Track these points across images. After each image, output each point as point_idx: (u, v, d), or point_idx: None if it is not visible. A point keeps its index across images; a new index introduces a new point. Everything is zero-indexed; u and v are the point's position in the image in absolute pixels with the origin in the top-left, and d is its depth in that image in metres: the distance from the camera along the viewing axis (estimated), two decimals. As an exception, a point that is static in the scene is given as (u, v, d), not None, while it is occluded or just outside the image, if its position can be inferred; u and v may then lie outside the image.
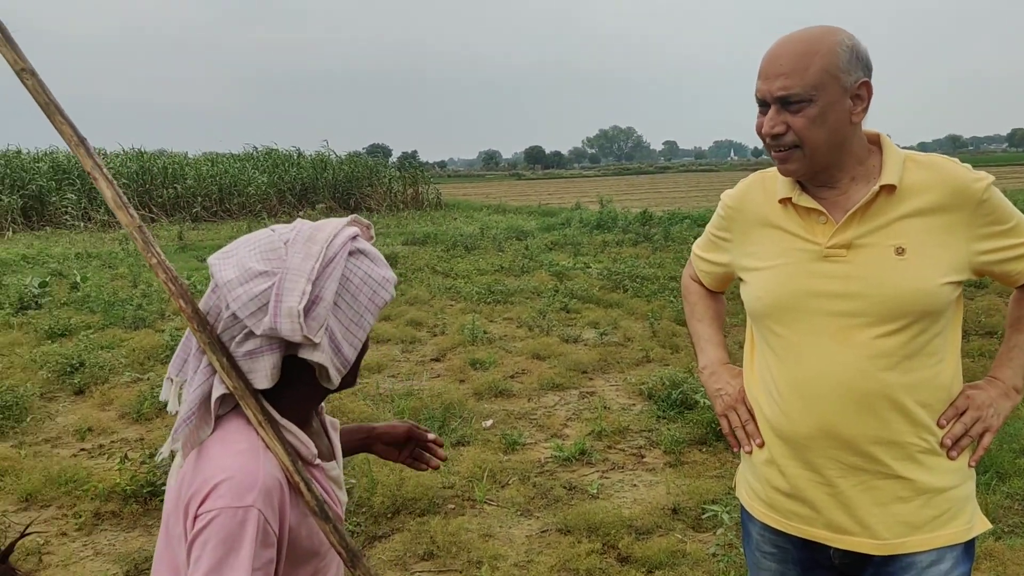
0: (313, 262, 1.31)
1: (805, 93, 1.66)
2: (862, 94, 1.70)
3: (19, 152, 27.83)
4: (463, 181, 69.38)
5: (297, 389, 1.40)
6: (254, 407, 1.34)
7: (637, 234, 16.99)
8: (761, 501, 1.92)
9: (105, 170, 1.33)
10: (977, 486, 4.28)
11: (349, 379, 1.44)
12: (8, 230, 22.94)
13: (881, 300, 1.69)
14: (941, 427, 1.75)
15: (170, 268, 1.36)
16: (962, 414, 1.77)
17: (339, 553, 1.39)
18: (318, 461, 1.43)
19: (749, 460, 1.95)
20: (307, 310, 1.29)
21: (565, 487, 4.70)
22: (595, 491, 4.63)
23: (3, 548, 1.51)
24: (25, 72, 1.25)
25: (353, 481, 4.52)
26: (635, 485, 4.77)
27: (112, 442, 5.69)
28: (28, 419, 6.06)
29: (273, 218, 26.11)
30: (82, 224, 24.25)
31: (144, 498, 4.56)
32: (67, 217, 24.52)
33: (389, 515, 4.33)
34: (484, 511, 4.42)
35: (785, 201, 1.80)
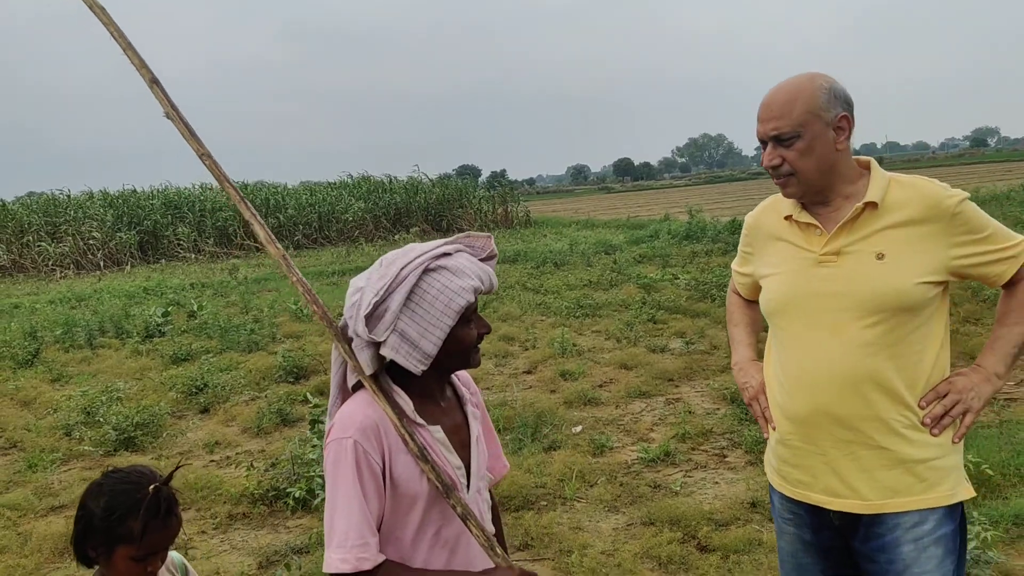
0: (387, 281, 1.71)
1: (792, 131, 2.02)
2: (843, 125, 2.05)
3: (135, 191, 29.80)
4: (552, 197, 69.90)
5: (403, 372, 1.81)
6: (365, 377, 1.77)
7: (726, 243, 17.03)
8: (777, 474, 2.24)
9: (259, 218, 1.78)
10: None
11: (459, 363, 1.84)
12: (127, 264, 24.63)
13: (864, 297, 2.00)
14: (922, 408, 2.03)
15: (305, 282, 1.83)
16: (943, 397, 2.03)
17: (435, 486, 1.75)
18: (420, 420, 1.80)
19: (770, 441, 2.27)
20: (372, 316, 1.70)
21: (650, 485, 5.01)
22: (678, 488, 4.93)
23: (167, 477, 1.91)
24: (204, 156, 1.70)
25: (453, 482, 4.94)
26: (716, 483, 5.04)
27: (237, 453, 6.29)
28: (163, 435, 6.74)
29: (370, 243, 27.15)
30: (193, 256, 25.80)
31: (270, 500, 5.10)
32: (180, 250, 26.14)
33: (487, 512, 4.72)
34: (574, 507, 4.78)
35: (789, 218, 2.17)
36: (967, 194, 2.05)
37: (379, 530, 1.78)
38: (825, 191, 2.10)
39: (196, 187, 31.02)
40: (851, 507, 2.06)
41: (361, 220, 29.85)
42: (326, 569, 1.72)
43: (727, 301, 2.60)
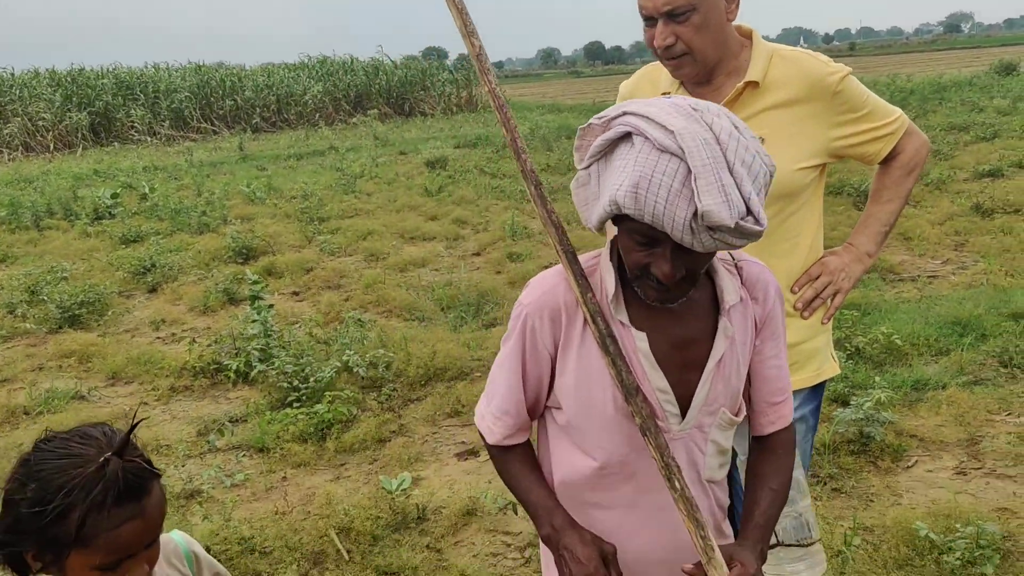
0: (609, 116, 1.34)
1: (687, 3, 1.82)
2: None
3: (82, 70, 28.69)
4: (520, 82, 68.55)
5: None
6: (553, 235, 1.45)
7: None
8: None
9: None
10: (959, 345, 4.61)
11: (631, 276, 1.42)
12: (79, 147, 23.99)
13: None
14: (794, 292, 1.97)
15: (500, 96, 1.51)
16: (816, 279, 1.99)
17: (616, 385, 1.42)
18: (615, 314, 1.44)
19: None
20: (578, 147, 1.39)
21: (582, 358, 5.18)
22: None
23: (120, 440, 1.31)
24: (472, 35, 1.51)
25: (392, 355, 5.08)
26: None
27: (183, 330, 6.37)
28: (109, 313, 6.78)
29: (329, 126, 26.61)
30: (148, 139, 25.17)
31: (211, 373, 5.21)
32: (134, 133, 25.46)
33: (423, 382, 4.89)
34: (506, 379, 4.95)
35: (666, 95, 1.90)
36: (849, 69, 1.96)
37: (549, 411, 1.57)
38: (714, 69, 1.95)
39: (148, 67, 29.97)
40: None
41: (320, 103, 29.17)
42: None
43: None
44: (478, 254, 8.34)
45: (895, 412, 3.94)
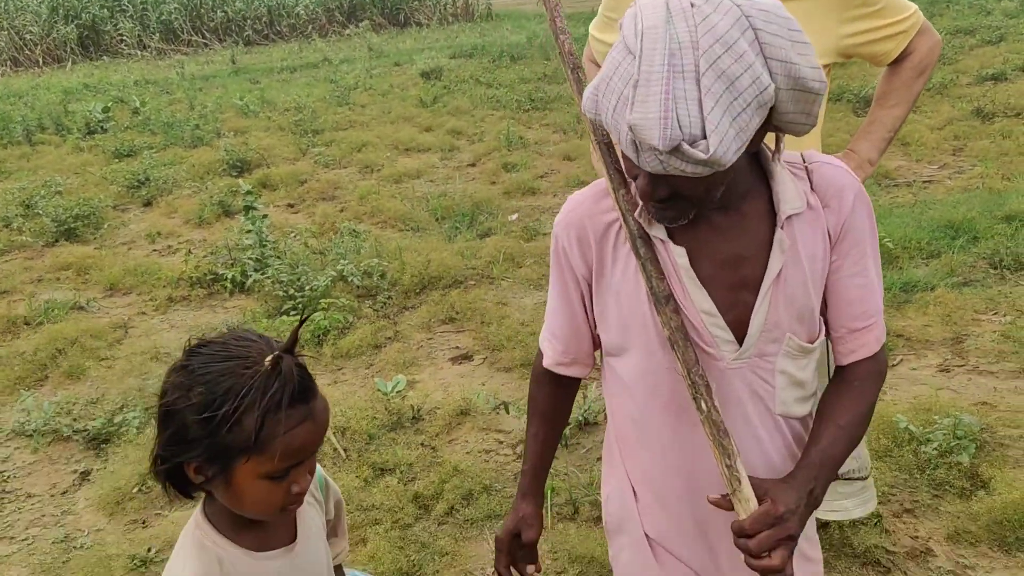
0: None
1: None
2: None
3: (69, -18, 27.88)
4: (517, -10, 66.59)
5: None
6: (588, 122, 1.33)
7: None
8: None
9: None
10: (950, 247, 4.63)
11: None
12: (68, 61, 23.52)
13: None
14: None
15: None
16: None
17: (648, 289, 1.30)
18: (654, 233, 1.30)
19: None
20: None
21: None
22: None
23: (290, 338, 1.22)
24: None
25: (387, 264, 5.11)
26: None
27: (179, 242, 6.38)
28: (105, 226, 6.78)
29: (323, 38, 26.03)
30: (138, 52, 24.65)
31: (208, 284, 5.25)
32: (123, 46, 24.93)
33: (417, 290, 4.93)
34: (500, 286, 4.99)
35: None
36: None
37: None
38: None
39: (135, -23, 29.13)
40: None
41: (313, 14, 28.44)
42: None
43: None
44: (473, 165, 8.28)
45: (885, 314, 3.99)
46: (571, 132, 9.06)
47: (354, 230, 5.83)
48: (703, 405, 1.26)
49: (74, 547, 3.04)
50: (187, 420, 1.18)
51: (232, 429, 1.16)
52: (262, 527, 1.32)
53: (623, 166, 1.27)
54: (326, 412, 1.27)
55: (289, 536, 1.37)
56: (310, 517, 1.44)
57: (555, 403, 1.59)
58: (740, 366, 1.33)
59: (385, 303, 4.78)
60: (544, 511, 1.54)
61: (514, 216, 6.38)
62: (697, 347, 1.31)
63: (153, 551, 2.94)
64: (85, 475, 3.47)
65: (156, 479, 1.25)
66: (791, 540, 1.23)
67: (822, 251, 1.31)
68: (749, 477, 1.26)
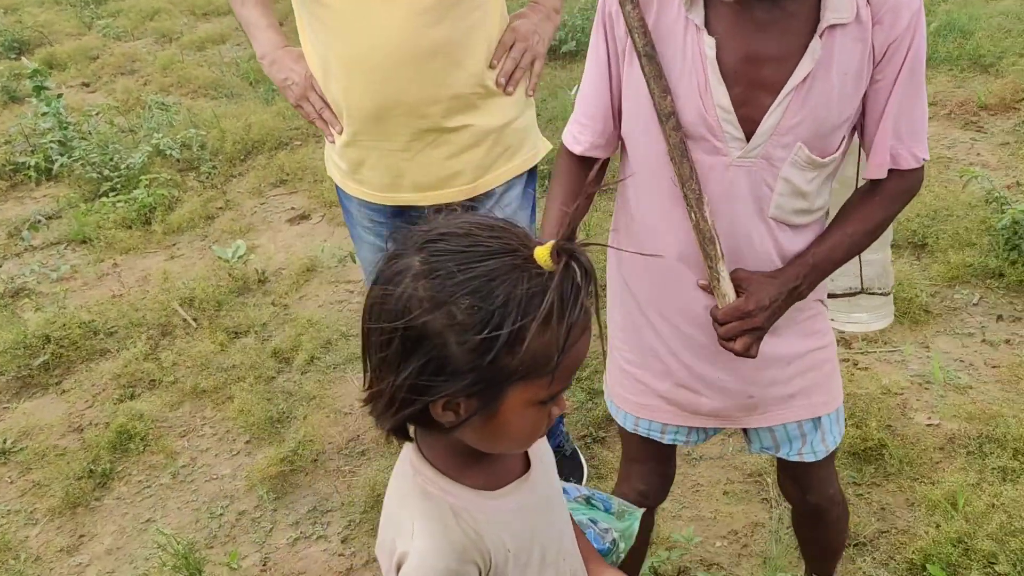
0: None
1: None
2: None
3: None
4: None
5: None
6: None
7: None
8: (352, 179, 1.94)
9: None
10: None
11: None
12: None
13: None
14: (493, 67, 1.80)
15: None
16: (511, 48, 1.81)
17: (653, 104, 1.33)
18: (691, 17, 1.29)
19: (335, 145, 1.92)
20: None
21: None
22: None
23: (570, 225, 0.88)
24: None
25: (204, 134, 4.89)
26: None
27: (-36, 137, 5.80)
28: None
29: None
30: None
31: (8, 175, 4.86)
32: None
33: (242, 157, 4.78)
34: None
35: None
36: None
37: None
38: None
39: None
40: (447, 197, 1.85)
41: None
42: None
43: None
44: (283, 23, 7.86)
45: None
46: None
47: (162, 103, 5.49)
48: (692, 215, 1.34)
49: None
50: (449, 345, 0.88)
51: (513, 350, 0.87)
52: (492, 460, 1.05)
53: None
54: (588, 318, 0.94)
55: (522, 465, 1.11)
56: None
57: (571, 174, 1.54)
58: (745, 164, 1.33)
59: (210, 173, 4.61)
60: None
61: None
62: (706, 140, 1.33)
63: (8, 442, 2.88)
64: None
65: (383, 424, 0.97)
66: (756, 331, 1.36)
67: (860, 68, 1.29)
68: (738, 269, 1.39)
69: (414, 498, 1.02)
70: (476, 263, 0.87)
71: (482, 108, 1.81)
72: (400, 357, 0.90)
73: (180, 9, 8.37)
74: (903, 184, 1.40)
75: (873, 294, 1.88)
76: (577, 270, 0.87)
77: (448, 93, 1.75)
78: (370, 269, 1.98)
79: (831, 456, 1.62)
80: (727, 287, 1.36)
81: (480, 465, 1.04)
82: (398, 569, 0.99)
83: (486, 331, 0.85)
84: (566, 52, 5.30)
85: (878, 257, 1.87)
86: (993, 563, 2.04)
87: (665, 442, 1.64)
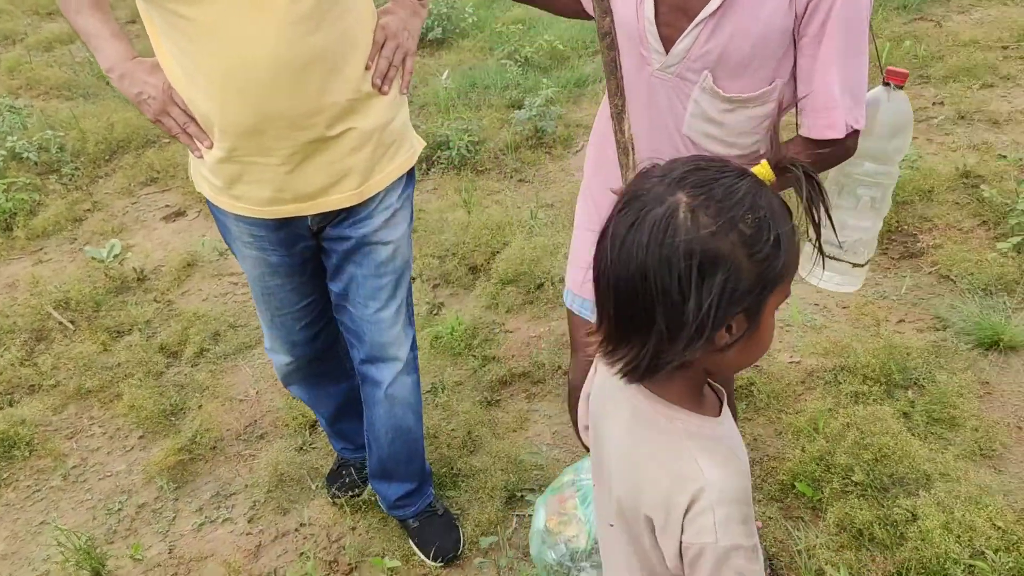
0: None
1: None
2: None
3: None
4: None
5: None
6: None
7: None
8: (228, 195, 1.82)
9: None
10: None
11: None
12: None
13: None
14: (369, 69, 1.75)
15: None
16: (382, 47, 1.77)
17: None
18: None
19: (205, 160, 1.77)
20: None
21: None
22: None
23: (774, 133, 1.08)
24: None
25: (63, 135, 4.70)
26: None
27: None
28: None
29: None
30: None
31: None
32: None
33: (107, 157, 4.63)
34: (197, 139, 4.81)
35: None
36: None
37: None
38: None
39: None
40: (332, 204, 1.82)
41: None
42: None
43: None
44: (133, 21, 7.59)
45: (562, 107, 4.45)
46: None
47: (12, 106, 5.23)
48: (614, 127, 1.47)
49: None
50: (741, 261, 0.92)
51: (780, 255, 0.95)
52: (706, 390, 1.11)
53: None
54: None
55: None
56: None
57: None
58: (663, 78, 1.50)
59: (73, 175, 4.44)
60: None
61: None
62: (635, 49, 1.50)
63: None
64: None
65: (657, 367, 0.98)
66: None
67: (783, 21, 1.38)
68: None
69: (683, 442, 1.05)
70: (732, 186, 0.94)
71: (362, 111, 1.76)
72: (696, 289, 0.92)
73: (22, 10, 7.94)
74: (822, 145, 1.47)
75: (841, 260, 1.85)
76: (802, 175, 0.96)
77: (329, 101, 1.69)
78: (257, 284, 1.99)
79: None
80: None
81: (704, 396, 1.11)
82: (685, 513, 1.01)
83: (770, 241, 0.93)
84: (433, 39, 5.39)
85: (875, 227, 1.84)
86: (850, 475, 2.29)
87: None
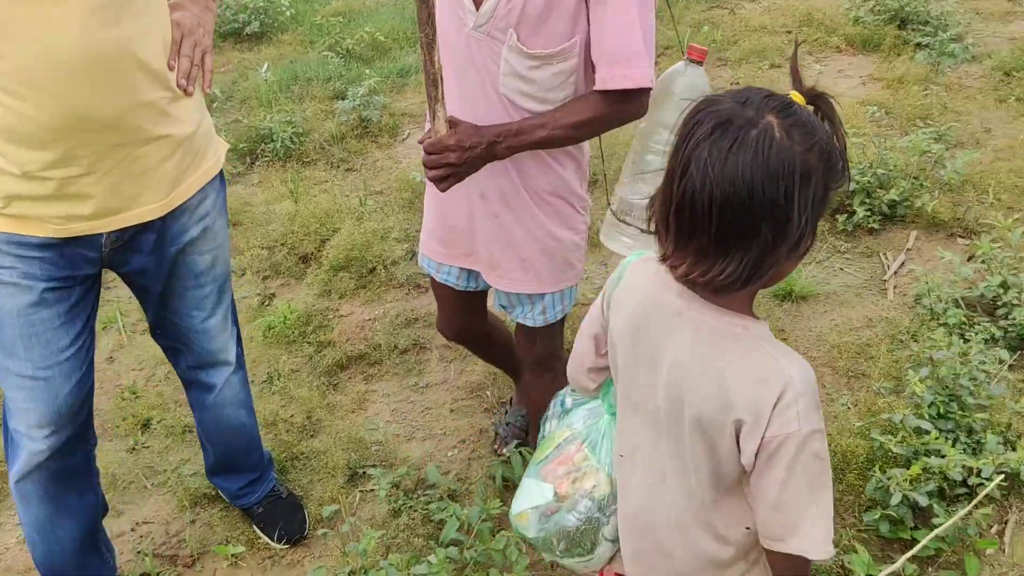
0: None
1: None
2: None
3: None
4: None
5: None
6: None
7: None
8: (12, 218, 1.59)
9: None
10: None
11: None
12: None
13: None
14: (172, 68, 1.65)
15: None
16: (181, 45, 1.68)
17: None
18: None
19: None
20: None
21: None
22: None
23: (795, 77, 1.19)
24: None
25: None
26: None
27: None
28: None
29: None
30: None
31: None
32: None
33: None
34: None
35: None
36: None
37: None
38: None
39: None
40: (139, 217, 1.68)
41: None
42: None
43: None
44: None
45: (387, 97, 4.50)
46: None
47: None
48: (423, 58, 1.52)
49: None
50: (820, 175, 1.07)
51: (843, 172, 1.12)
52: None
53: None
54: None
55: None
56: None
57: None
58: (477, 37, 1.61)
59: None
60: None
61: None
62: (454, 7, 1.61)
63: None
64: None
65: (762, 273, 1.10)
66: (451, 167, 1.59)
67: None
68: (458, 118, 1.61)
69: (762, 345, 1.17)
70: (803, 110, 1.09)
71: (173, 114, 1.66)
72: (800, 199, 1.04)
73: None
74: (617, 100, 1.62)
75: (629, 224, 1.94)
76: (832, 103, 1.14)
77: (138, 100, 1.57)
78: (10, 325, 1.62)
79: (553, 325, 1.96)
80: (441, 126, 1.59)
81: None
82: (773, 408, 1.12)
83: (839, 159, 1.09)
84: (251, 34, 5.28)
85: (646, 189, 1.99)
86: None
87: (439, 280, 1.97)
